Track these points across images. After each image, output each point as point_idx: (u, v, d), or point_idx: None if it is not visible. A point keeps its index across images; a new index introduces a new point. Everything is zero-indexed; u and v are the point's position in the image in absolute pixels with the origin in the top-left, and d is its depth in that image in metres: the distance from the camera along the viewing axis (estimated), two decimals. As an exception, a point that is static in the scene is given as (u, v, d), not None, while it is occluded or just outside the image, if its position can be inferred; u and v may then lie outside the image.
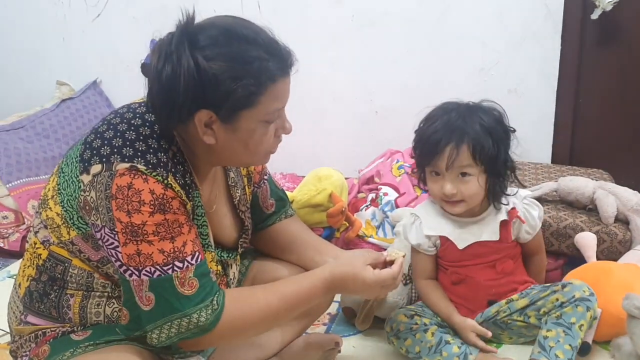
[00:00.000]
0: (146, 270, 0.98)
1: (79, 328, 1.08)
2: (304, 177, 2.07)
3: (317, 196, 1.88)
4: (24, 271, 1.11)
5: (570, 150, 2.32)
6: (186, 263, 1.00)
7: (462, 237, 1.45)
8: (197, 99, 0.97)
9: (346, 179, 2.08)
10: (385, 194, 1.99)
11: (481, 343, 1.42)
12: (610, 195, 1.78)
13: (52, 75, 2.77)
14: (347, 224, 1.90)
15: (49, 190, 1.07)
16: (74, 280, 1.06)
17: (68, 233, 1.04)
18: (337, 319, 1.65)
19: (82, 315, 1.07)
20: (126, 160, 0.98)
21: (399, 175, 2.08)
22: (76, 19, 2.67)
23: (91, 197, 0.99)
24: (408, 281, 1.61)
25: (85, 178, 1.00)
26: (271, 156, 2.53)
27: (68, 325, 1.08)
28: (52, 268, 1.07)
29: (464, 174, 1.36)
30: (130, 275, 0.99)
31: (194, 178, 1.08)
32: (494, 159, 1.35)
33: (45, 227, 1.07)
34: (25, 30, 2.75)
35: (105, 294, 1.07)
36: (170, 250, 0.99)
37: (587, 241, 1.68)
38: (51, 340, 1.07)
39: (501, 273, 1.46)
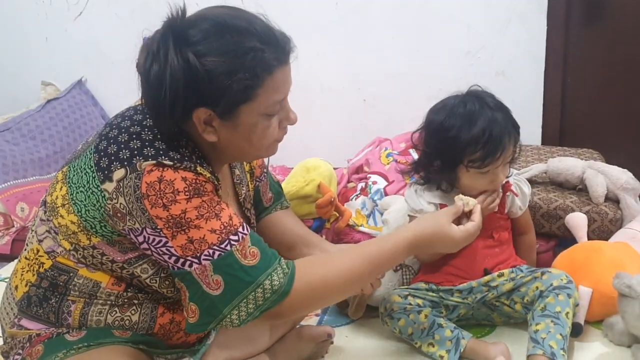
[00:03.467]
0: (205, 255, 0.96)
1: (74, 330, 1.07)
2: (293, 168, 2.06)
3: (306, 187, 1.87)
4: (22, 275, 1.10)
5: (560, 131, 2.31)
6: (240, 234, 0.99)
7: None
8: (192, 97, 0.95)
9: (336, 169, 2.07)
10: (375, 183, 1.98)
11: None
12: (600, 175, 1.77)
13: (37, 76, 2.74)
14: (337, 214, 1.89)
15: (57, 198, 1.04)
16: (77, 289, 1.05)
17: (89, 239, 1.02)
18: (328, 310, 1.64)
19: (82, 321, 1.06)
20: (150, 159, 0.96)
21: (388, 164, 2.07)
22: (58, 18, 2.64)
23: (120, 203, 0.96)
24: (398, 268, 1.61)
25: (109, 186, 0.97)
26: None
27: (64, 328, 1.08)
28: (55, 277, 1.06)
29: (505, 164, 1.43)
30: (190, 266, 0.96)
31: (215, 171, 1.07)
32: (517, 146, 1.45)
33: (55, 234, 1.04)
34: (7, 31, 2.72)
35: (109, 302, 1.06)
36: (220, 227, 0.97)
37: (577, 221, 1.68)
38: (45, 340, 1.06)
39: (498, 241, 1.49)
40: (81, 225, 1.01)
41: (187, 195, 0.95)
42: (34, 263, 1.07)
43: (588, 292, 1.44)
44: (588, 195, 1.77)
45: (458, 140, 1.36)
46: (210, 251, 0.95)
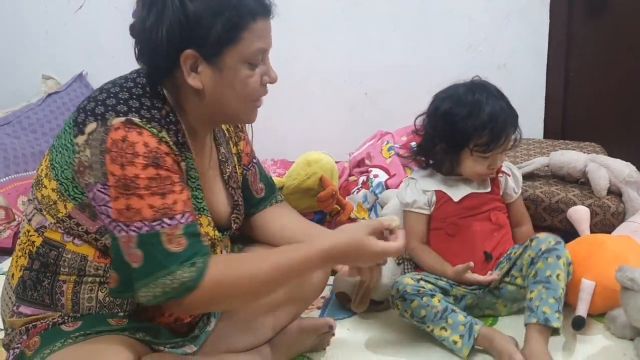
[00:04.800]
0: (134, 226, 0.98)
1: (70, 319, 1.08)
2: (294, 162, 2.06)
3: (307, 181, 1.86)
4: (16, 262, 1.12)
5: (562, 124, 2.31)
6: (175, 221, 1.00)
7: (457, 191, 1.54)
8: (181, 39, 1.00)
9: (337, 162, 2.06)
10: (376, 176, 1.98)
11: (481, 278, 1.45)
12: (602, 168, 1.77)
13: (37, 70, 2.74)
14: (339, 208, 1.89)
15: (42, 170, 1.08)
16: (66, 265, 1.06)
17: (65, 207, 1.04)
18: (330, 303, 1.64)
19: (75, 301, 1.07)
20: (121, 114, 1.00)
21: (389, 157, 2.06)
22: (58, 12, 2.63)
23: (86, 155, 0.99)
24: (400, 261, 1.61)
25: (81, 139, 1.00)
26: (261, 142, 2.51)
27: (59, 314, 1.08)
28: (46, 254, 1.07)
29: (505, 151, 1.52)
30: (119, 232, 0.98)
31: (187, 140, 1.08)
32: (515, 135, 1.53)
33: (40, 210, 1.07)
34: (7, 26, 2.72)
35: (98, 278, 1.07)
36: (159, 206, 0.98)
37: (580, 215, 1.67)
38: (42, 331, 1.07)
39: (496, 224, 1.53)
40: (59, 191, 1.04)
41: (145, 161, 0.98)
42: (27, 245, 1.09)
43: (591, 286, 1.43)
44: (590, 189, 1.77)
45: (466, 126, 1.46)
46: (140, 224, 0.98)
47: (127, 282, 1.01)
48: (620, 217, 1.73)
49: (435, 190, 1.55)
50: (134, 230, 0.98)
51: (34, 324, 1.08)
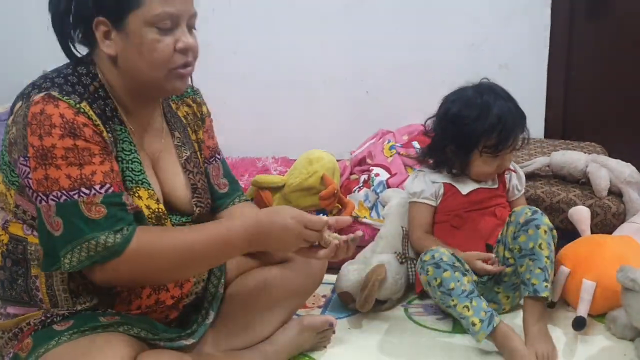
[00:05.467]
0: (53, 195, 1.00)
1: (59, 317, 1.08)
2: (296, 160, 2.06)
3: (309, 179, 1.86)
4: None
5: (562, 124, 2.31)
6: (93, 191, 1.01)
7: (465, 185, 1.58)
8: (91, 7, 1.03)
9: (338, 161, 2.06)
10: (377, 175, 1.98)
11: (490, 268, 1.46)
12: (603, 168, 1.77)
13: (38, 65, 2.71)
14: (340, 206, 1.89)
15: None
16: (34, 257, 1.08)
17: (11, 196, 1.07)
18: (332, 301, 1.64)
19: (51, 294, 1.08)
20: (43, 90, 1.03)
21: (391, 156, 2.06)
22: (59, 7, 2.62)
23: (12, 133, 1.03)
24: (404, 260, 1.61)
25: (10, 119, 1.04)
26: (262, 140, 2.48)
27: (42, 311, 1.08)
28: (14, 250, 1.09)
29: (512, 151, 1.56)
30: (40, 202, 1.01)
31: (119, 114, 1.10)
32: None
33: (2, 208, 1.10)
34: (7, 20, 2.70)
35: None
36: (76, 177, 1.01)
37: (580, 215, 1.68)
38: (32, 333, 1.07)
39: (500, 219, 1.54)
40: (3, 181, 1.08)
41: (62, 132, 1.00)
42: None
43: (592, 286, 1.44)
44: (591, 189, 1.77)
45: (475, 128, 1.50)
46: (59, 194, 1.00)
47: (50, 253, 1.03)
48: (620, 217, 1.73)
49: (444, 183, 1.59)
50: (52, 199, 1.00)
51: (20, 327, 1.09)
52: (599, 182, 1.74)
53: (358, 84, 2.42)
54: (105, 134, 1.05)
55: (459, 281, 1.39)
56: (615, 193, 1.78)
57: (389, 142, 2.13)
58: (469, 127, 1.50)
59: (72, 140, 1.00)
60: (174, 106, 1.26)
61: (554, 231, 1.43)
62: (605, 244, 1.54)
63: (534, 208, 1.45)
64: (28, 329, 1.08)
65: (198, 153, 1.27)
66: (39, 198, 1.01)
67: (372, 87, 2.42)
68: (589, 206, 1.71)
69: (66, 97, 1.02)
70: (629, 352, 1.36)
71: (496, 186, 1.60)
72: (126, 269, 1.02)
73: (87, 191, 1.01)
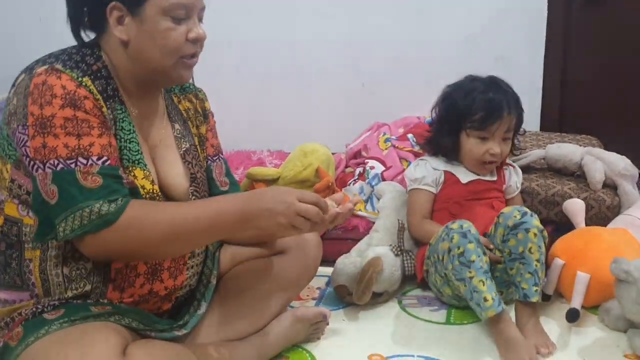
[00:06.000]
0: (50, 163, 1.01)
1: (50, 307, 1.07)
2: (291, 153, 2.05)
3: (304, 172, 1.86)
4: None
5: (558, 117, 2.31)
6: (90, 161, 1.03)
7: (465, 175, 1.61)
8: None
9: (334, 154, 2.06)
10: (372, 168, 1.98)
11: (490, 253, 1.44)
12: (598, 161, 1.77)
13: (31, 57, 2.69)
14: (335, 199, 1.88)
15: None
16: (29, 239, 1.08)
17: (7, 171, 1.08)
18: (326, 293, 1.64)
19: (44, 278, 1.08)
20: (46, 64, 1.05)
21: (386, 149, 2.06)
22: (53, -2, 2.60)
23: (13, 103, 1.04)
24: (399, 252, 1.61)
25: (11, 91, 1.05)
26: (257, 133, 2.48)
27: (33, 302, 1.08)
28: (9, 232, 1.09)
29: (505, 139, 1.57)
30: (37, 170, 1.02)
31: (120, 94, 1.12)
32: (518, 127, 1.61)
33: None
34: (0, 12, 2.68)
35: (60, 252, 1.08)
36: (74, 146, 1.02)
37: (575, 208, 1.68)
38: (23, 322, 1.06)
39: (497, 211, 1.54)
40: (0, 155, 1.09)
41: (62, 102, 1.02)
42: None
43: (586, 278, 1.44)
44: (586, 182, 1.77)
45: (462, 104, 1.55)
46: (56, 162, 1.01)
47: (47, 222, 1.04)
48: (615, 210, 1.73)
49: (444, 171, 1.62)
50: (49, 167, 1.01)
51: (12, 316, 1.08)
52: (594, 175, 1.74)
53: (354, 77, 2.42)
54: (105, 110, 1.07)
55: (479, 257, 1.38)
56: (610, 186, 1.78)
57: (384, 134, 2.13)
58: (456, 105, 1.55)
59: (72, 111, 1.02)
60: (175, 99, 1.27)
61: (545, 232, 1.42)
62: (600, 236, 1.54)
63: (523, 209, 1.43)
64: (19, 318, 1.07)
65: (198, 147, 1.27)
66: (35, 166, 1.02)
67: (367, 80, 2.42)
68: (584, 199, 1.72)
69: (69, 70, 1.04)
70: (622, 343, 1.37)
71: (495, 179, 1.61)
72: (118, 239, 1.03)
73: (84, 161, 1.02)
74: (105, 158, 1.04)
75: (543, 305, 1.49)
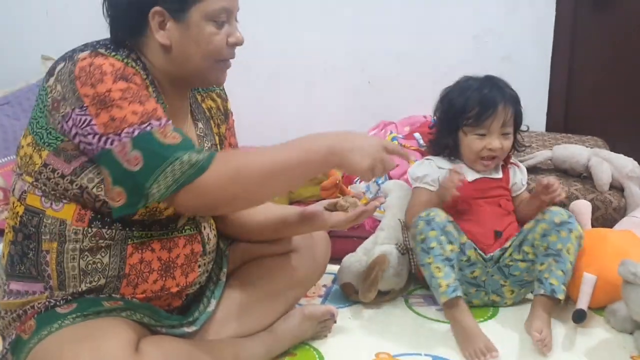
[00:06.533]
0: (125, 132, 1.00)
1: (63, 301, 1.08)
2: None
3: (311, 169, 1.85)
4: (5, 239, 1.13)
5: (564, 117, 2.31)
6: (163, 121, 1.03)
7: (471, 174, 1.59)
8: None
9: (339, 151, 2.05)
10: (379, 166, 1.98)
11: (453, 178, 1.46)
12: (605, 163, 1.77)
13: (37, 50, 2.70)
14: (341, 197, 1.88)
15: (22, 137, 1.12)
16: (47, 231, 1.07)
17: (40, 157, 1.06)
18: (332, 291, 1.65)
19: (60, 270, 1.08)
20: (88, 50, 1.05)
21: (393, 146, 2.06)
22: (59, -8, 2.60)
23: (57, 91, 1.03)
24: (405, 251, 1.61)
25: (51, 80, 1.05)
26: (263, 129, 2.49)
27: (46, 295, 1.08)
28: (28, 222, 1.08)
29: (505, 134, 1.55)
30: (112, 143, 1.00)
31: (156, 85, 1.12)
32: (519, 123, 1.60)
33: (20, 175, 1.10)
34: (7, 5, 2.68)
35: (78, 244, 1.08)
36: (142, 112, 1.02)
37: (581, 209, 1.68)
38: (36, 315, 1.07)
39: (505, 210, 1.57)
40: (34, 143, 1.07)
41: (113, 76, 1.02)
42: (11, 218, 1.11)
43: (592, 279, 1.44)
44: (592, 183, 1.78)
45: (457, 103, 1.55)
46: (130, 129, 1.00)
47: (135, 191, 1.01)
48: (621, 212, 1.74)
49: (450, 169, 1.59)
50: (126, 136, 1.00)
51: (25, 309, 1.08)
52: (601, 177, 1.74)
53: (360, 75, 2.42)
54: (150, 89, 1.08)
55: (441, 244, 1.42)
56: (617, 187, 1.78)
57: (390, 133, 2.13)
58: (453, 105, 1.56)
59: (126, 83, 1.02)
60: (199, 98, 1.27)
61: (582, 239, 1.45)
62: (606, 238, 1.55)
63: (569, 212, 1.48)
64: (32, 311, 1.08)
65: (218, 146, 1.28)
66: (109, 140, 1.00)
67: (374, 78, 2.41)
68: (591, 200, 1.72)
69: (113, 53, 1.05)
70: (628, 345, 1.37)
71: (500, 176, 1.60)
72: (216, 186, 1.01)
73: (157, 122, 1.02)
74: (171, 123, 1.05)
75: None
